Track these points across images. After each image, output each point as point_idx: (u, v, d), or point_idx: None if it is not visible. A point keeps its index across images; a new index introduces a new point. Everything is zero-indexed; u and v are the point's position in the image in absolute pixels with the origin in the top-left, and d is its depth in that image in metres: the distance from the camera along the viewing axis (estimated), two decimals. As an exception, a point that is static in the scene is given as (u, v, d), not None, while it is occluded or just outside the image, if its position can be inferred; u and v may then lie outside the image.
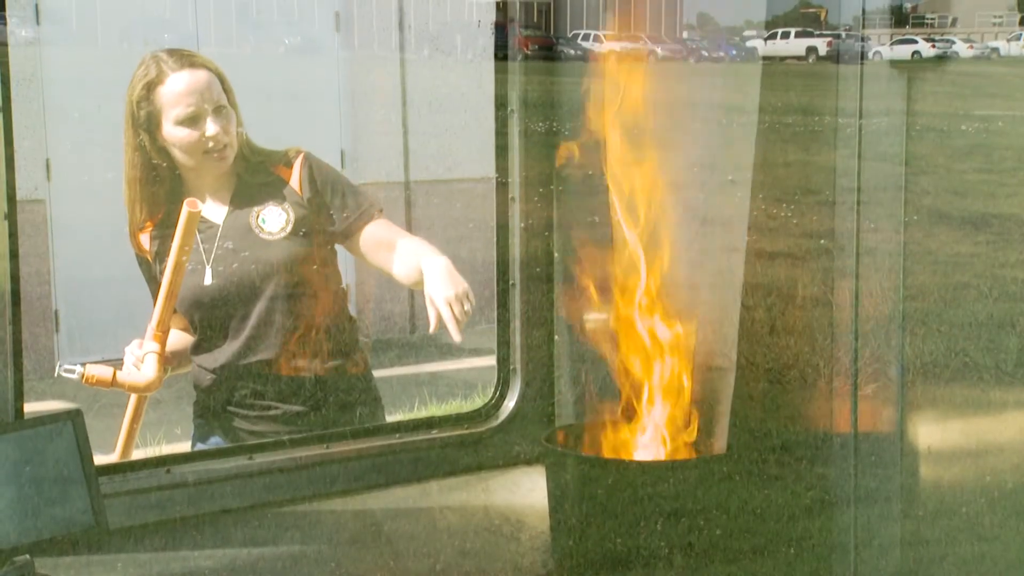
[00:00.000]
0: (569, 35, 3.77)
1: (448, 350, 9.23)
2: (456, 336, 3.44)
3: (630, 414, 3.61)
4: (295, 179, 3.77)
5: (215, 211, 3.72)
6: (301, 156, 3.79)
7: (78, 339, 8.83)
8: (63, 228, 8.80)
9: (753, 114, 3.60)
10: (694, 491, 3.49)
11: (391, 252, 3.79)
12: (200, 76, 3.65)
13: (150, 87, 3.65)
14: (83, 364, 3.62)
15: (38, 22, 9.63)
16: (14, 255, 2.87)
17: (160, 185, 3.75)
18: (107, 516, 2.88)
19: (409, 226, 10.58)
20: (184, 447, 3.93)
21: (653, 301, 3.56)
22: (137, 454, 3.69)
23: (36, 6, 9.61)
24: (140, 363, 3.61)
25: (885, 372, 3.42)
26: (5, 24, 2.87)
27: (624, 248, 3.57)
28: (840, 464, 3.53)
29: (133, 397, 3.72)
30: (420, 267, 3.60)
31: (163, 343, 3.64)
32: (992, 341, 3.20)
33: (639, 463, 3.58)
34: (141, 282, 3.87)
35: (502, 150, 3.66)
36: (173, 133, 3.66)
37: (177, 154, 3.70)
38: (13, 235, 2.86)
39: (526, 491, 3.60)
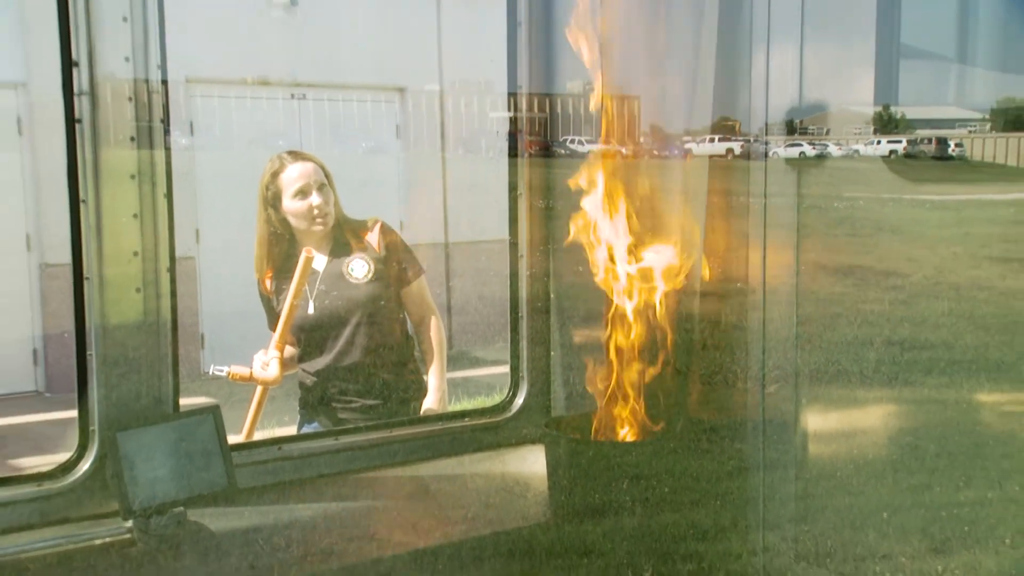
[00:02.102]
0: (560, 139, 3.76)
1: (476, 362, 9.20)
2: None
3: (606, 407, 3.61)
4: (374, 240, 3.81)
5: (318, 262, 3.75)
6: (379, 224, 3.85)
7: (217, 353, 8.85)
8: (207, 277, 8.85)
9: (691, 195, 3.60)
10: (649, 461, 3.48)
11: (421, 319, 3.90)
12: (308, 165, 3.72)
13: (275, 174, 3.72)
14: (229, 366, 3.67)
15: (192, 133, 9.72)
16: (173, 295, 2.89)
17: (281, 244, 3.79)
18: (237, 479, 2.91)
19: (448, 275, 10.61)
20: (291, 431, 3.93)
21: (624, 326, 3.57)
22: (258, 436, 3.70)
23: (191, 123, 9.69)
24: (266, 366, 3.66)
25: (784, 377, 3.41)
26: (169, 134, 2.89)
27: (607, 290, 3.58)
28: (752, 441, 3.51)
29: (257, 393, 3.74)
30: (430, 373, 3.88)
31: (283, 351, 3.68)
32: (857, 355, 3.19)
33: (611, 442, 3.57)
34: (259, 314, 3.91)
35: (513, 221, 3.64)
36: (290, 205, 3.70)
37: (293, 221, 3.74)
38: (173, 282, 2.88)
39: (531, 462, 3.59)
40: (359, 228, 3.84)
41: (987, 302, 2.99)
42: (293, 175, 3.71)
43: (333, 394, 3.80)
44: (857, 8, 3.22)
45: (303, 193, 3.70)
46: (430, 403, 3.83)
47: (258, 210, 3.77)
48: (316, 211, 3.70)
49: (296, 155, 3.76)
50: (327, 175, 3.76)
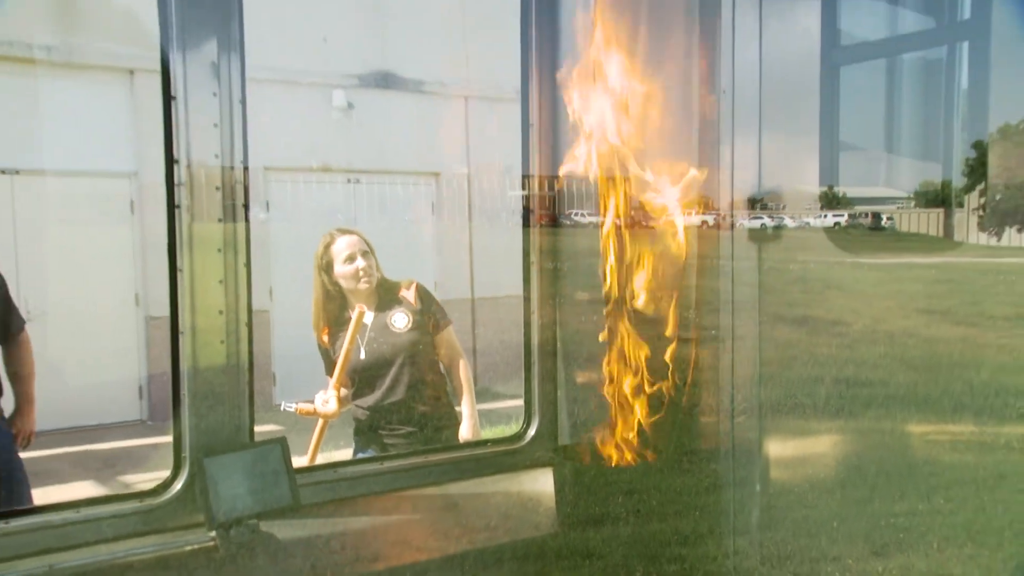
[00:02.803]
0: (566, 212, 3.77)
1: (496, 396, 9.11)
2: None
3: (605, 435, 3.59)
4: (411, 297, 3.83)
5: (367, 316, 3.77)
6: (414, 283, 3.87)
7: (287, 390, 8.85)
8: (279, 327, 8.87)
9: (677, 257, 3.60)
10: (641, 479, 3.45)
11: (451, 360, 3.90)
12: (353, 237, 3.78)
13: (327, 246, 3.76)
14: (296, 402, 3.68)
15: (268, 210, 9.81)
16: (250, 344, 2.89)
17: (334, 303, 3.81)
18: (301, 497, 2.90)
19: (474, 324, 10.60)
20: (346, 455, 3.92)
21: (620, 367, 3.55)
22: (319, 460, 3.70)
23: (267, 202, 9.79)
24: (326, 402, 3.67)
25: (750, 409, 3.38)
26: (249, 214, 2.91)
27: (607, 336, 3.57)
28: (724, 462, 3.47)
29: (319, 423, 3.74)
30: (462, 405, 3.88)
31: (339, 391, 3.69)
32: (810, 390, 3.16)
33: (609, 465, 3.54)
34: (318, 359, 3.93)
35: (526, 279, 3.63)
36: (340, 269, 3.74)
37: (343, 283, 3.76)
38: (250, 333, 2.88)
39: (542, 482, 3.56)
40: (398, 288, 3.87)
41: (915, 347, 2.97)
42: (342, 245, 3.76)
43: (381, 424, 3.79)
44: (803, 110, 3.25)
45: (351, 259, 3.75)
46: (465, 431, 3.82)
47: (314, 277, 3.82)
48: (361, 272, 3.75)
49: (343, 230, 3.82)
50: (368, 244, 3.81)
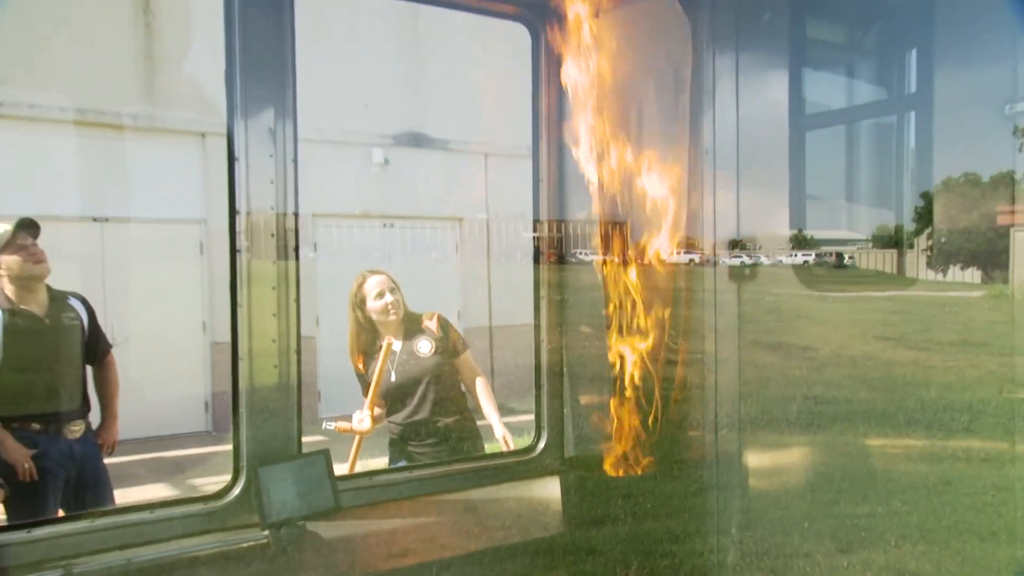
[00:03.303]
0: (572, 251, 3.78)
1: (510, 412, 9.05)
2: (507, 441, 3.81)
3: (606, 447, 3.56)
4: (433, 326, 3.84)
5: (395, 344, 3.78)
6: (436, 315, 3.89)
7: (331, 406, 8.85)
8: (324, 351, 8.91)
9: (666, 291, 3.60)
10: (637, 485, 3.41)
11: (471, 379, 3.88)
12: (382, 276, 3.80)
13: (360, 285, 3.78)
14: (336, 421, 3.67)
15: (315, 251, 9.90)
16: (299, 367, 2.88)
17: (366, 334, 3.82)
18: (341, 501, 2.88)
19: (492, 348, 10.60)
20: (382, 464, 3.91)
21: (619, 385, 3.53)
22: (357, 469, 3.69)
23: (315, 244, 9.89)
24: (362, 420, 3.65)
25: (731, 423, 3.35)
26: (299, 256, 2.91)
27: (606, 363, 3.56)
28: (709, 470, 3.43)
29: (356, 437, 3.74)
30: (490, 417, 3.85)
31: (373, 410, 3.68)
32: (784, 407, 3.14)
33: (609, 473, 3.51)
34: (355, 380, 3.92)
35: (537, 309, 3.62)
36: (372, 304, 3.75)
37: (374, 316, 3.78)
38: (299, 359, 2.88)
39: (551, 489, 3.53)
40: (422, 319, 3.89)
41: (874, 369, 2.95)
42: (372, 284, 3.78)
43: (411, 436, 3.79)
44: (775, 166, 3.27)
45: (380, 295, 3.77)
46: (500, 435, 3.81)
47: (349, 313, 3.83)
48: (390, 306, 3.76)
49: (373, 271, 3.85)
50: (395, 282, 3.84)
